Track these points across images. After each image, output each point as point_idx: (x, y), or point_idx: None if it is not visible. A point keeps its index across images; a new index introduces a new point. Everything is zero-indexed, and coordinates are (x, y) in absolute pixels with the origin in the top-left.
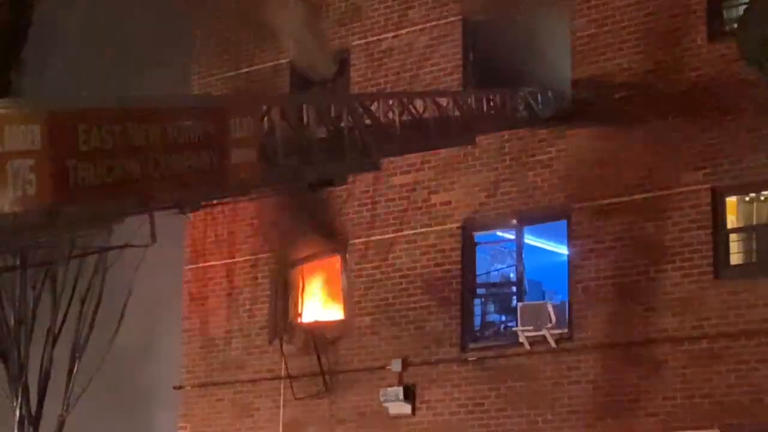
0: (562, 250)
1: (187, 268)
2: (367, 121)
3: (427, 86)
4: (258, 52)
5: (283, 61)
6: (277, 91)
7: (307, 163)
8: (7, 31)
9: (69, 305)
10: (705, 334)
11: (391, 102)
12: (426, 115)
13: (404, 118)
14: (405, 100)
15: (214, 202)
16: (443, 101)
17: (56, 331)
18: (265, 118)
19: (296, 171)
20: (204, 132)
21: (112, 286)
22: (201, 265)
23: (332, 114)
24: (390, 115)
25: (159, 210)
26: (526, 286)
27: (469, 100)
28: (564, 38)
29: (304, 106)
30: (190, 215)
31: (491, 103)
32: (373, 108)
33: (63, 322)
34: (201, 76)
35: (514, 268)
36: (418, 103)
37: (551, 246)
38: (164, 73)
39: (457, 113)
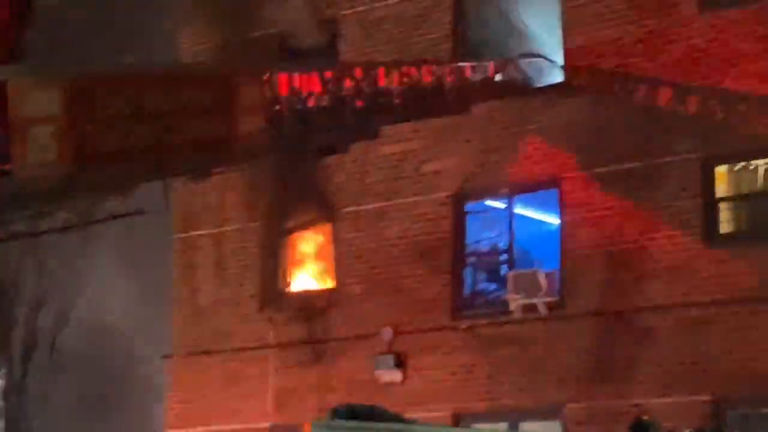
0: (550, 218)
1: (176, 237)
2: (367, 90)
3: (418, 56)
4: (247, 21)
5: (272, 31)
6: (269, 61)
7: (310, 131)
8: None
9: (53, 274)
10: (695, 302)
11: (390, 70)
12: (423, 84)
13: (403, 87)
14: (403, 68)
15: (219, 169)
16: (439, 70)
17: (40, 300)
18: (270, 86)
19: (300, 138)
20: (214, 99)
21: (99, 255)
22: (190, 234)
23: (333, 82)
24: (389, 83)
25: (171, 176)
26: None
27: (464, 69)
28: (556, 8)
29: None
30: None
31: (485, 73)
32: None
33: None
34: (189, 46)
35: (502, 236)
36: (415, 72)
37: (539, 215)
38: (151, 43)
39: (452, 82)
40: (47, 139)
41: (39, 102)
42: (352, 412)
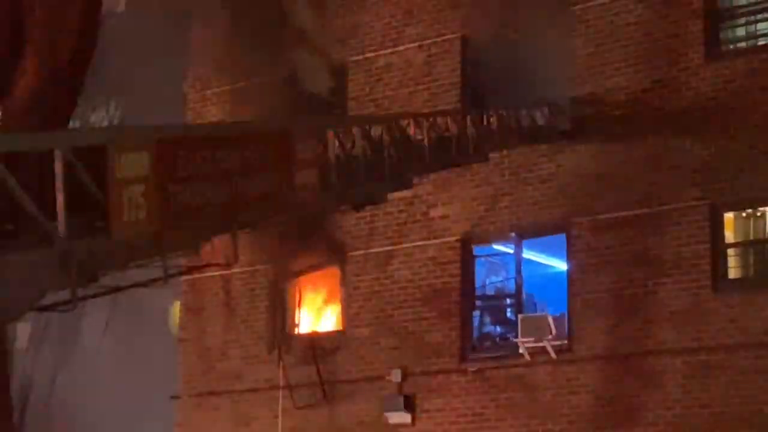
0: (555, 262)
1: (183, 279)
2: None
3: (426, 103)
4: (254, 67)
5: (279, 76)
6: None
7: (353, 183)
8: None
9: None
10: (703, 347)
11: (421, 120)
12: (447, 133)
13: (430, 136)
14: (431, 118)
15: (276, 220)
16: (459, 119)
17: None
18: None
19: (345, 191)
20: (274, 155)
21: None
22: (197, 276)
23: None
24: (418, 134)
25: (238, 230)
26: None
27: (483, 117)
28: (563, 56)
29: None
30: None
31: (501, 121)
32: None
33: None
34: (195, 90)
35: (508, 280)
36: (440, 122)
37: (543, 259)
38: (157, 88)
39: (473, 131)
40: (139, 198)
41: (133, 163)
42: None
